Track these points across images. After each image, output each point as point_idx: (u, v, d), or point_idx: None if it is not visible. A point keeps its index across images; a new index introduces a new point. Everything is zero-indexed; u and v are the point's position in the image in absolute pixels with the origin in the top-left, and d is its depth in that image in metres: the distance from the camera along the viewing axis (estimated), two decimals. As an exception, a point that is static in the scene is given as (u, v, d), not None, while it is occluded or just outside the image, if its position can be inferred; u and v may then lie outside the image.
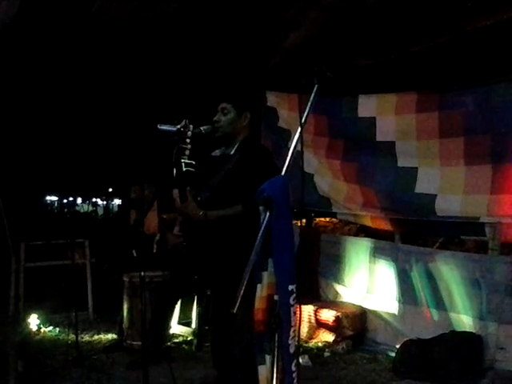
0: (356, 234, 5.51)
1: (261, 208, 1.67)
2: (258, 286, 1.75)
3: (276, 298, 1.70)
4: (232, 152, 2.77)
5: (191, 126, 2.54)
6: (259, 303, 1.75)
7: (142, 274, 2.56)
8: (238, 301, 1.52)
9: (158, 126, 2.53)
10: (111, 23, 4.73)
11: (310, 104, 1.86)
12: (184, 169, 2.56)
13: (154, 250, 3.97)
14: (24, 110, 6.58)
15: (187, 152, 2.55)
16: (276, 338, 1.69)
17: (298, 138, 1.81)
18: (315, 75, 1.90)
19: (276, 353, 1.69)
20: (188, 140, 2.53)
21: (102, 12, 4.60)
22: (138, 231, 3.41)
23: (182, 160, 2.55)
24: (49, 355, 4.01)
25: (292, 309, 1.68)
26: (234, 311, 1.51)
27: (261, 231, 1.62)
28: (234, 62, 4.88)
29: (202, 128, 2.67)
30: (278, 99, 5.17)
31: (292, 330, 1.69)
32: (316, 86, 1.89)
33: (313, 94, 1.87)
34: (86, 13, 4.51)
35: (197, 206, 2.60)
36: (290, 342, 1.69)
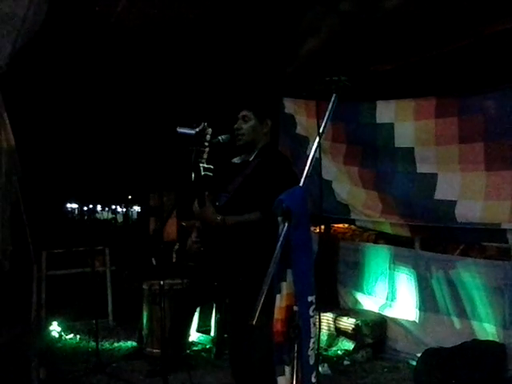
0: (375, 241, 5.46)
1: (279, 219, 1.67)
2: (277, 296, 1.74)
3: (295, 308, 1.69)
4: (251, 158, 2.77)
5: (210, 129, 2.55)
6: (278, 314, 1.74)
7: (162, 282, 2.58)
8: (257, 312, 1.51)
9: (178, 129, 2.54)
10: (130, 31, 4.80)
11: (328, 113, 1.85)
12: (202, 173, 2.55)
13: (174, 260, 3.98)
14: (44, 118, 6.68)
15: (205, 155, 2.55)
16: (295, 349, 1.69)
17: (317, 147, 1.80)
18: (333, 84, 1.89)
19: (295, 364, 1.68)
20: (207, 143, 2.53)
21: (121, 21, 4.67)
22: (157, 240, 3.43)
23: (201, 164, 2.54)
24: (70, 362, 4.06)
25: (311, 320, 1.67)
26: (254, 323, 1.50)
27: (279, 242, 1.62)
28: (252, 68, 4.90)
29: (220, 137, 2.67)
30: (295, 106, 5.17)
31: (312, 341, 1.68)
32: (334, 95, 1.88)
33: (331, 103, 1.87)
34: (106, 21, 4.59)
35: (215, 211, 2.59)
36: (309, 353, 1.68)
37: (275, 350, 1.76)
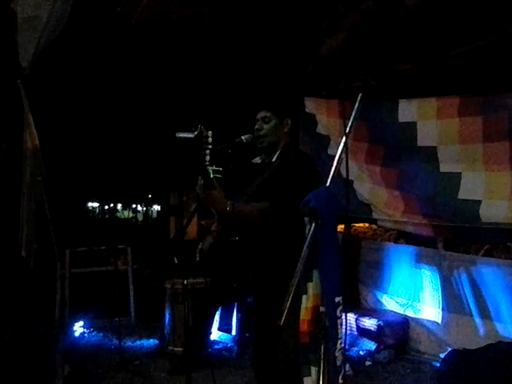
0: (396, 240, 5.42)
1: (306, 219, 1.67)
2: (304, 296, 1.74)
3: (322, 309, 1.69)
4: (273, 159, 2.75)
5: (210, 131, 2.52)
6: (304, 314, 1.74)
7: (185, 282, 2.59)
8: (285, 313, 1.52)
9: (176, 134, 2.53)
10: (151, 32, 4.83)
11: (354, 113, 1.85)
12: (212, 176, 2.54)
13: (197, 259, 3.98)
14: (66, 119, 6.77)
15: (208, 158, 2.53)
16: (322, 350, 1.68)
17: (343, 147, 1.80)
18: (359, 84, 1.88)
19: (322, 365, 1.67)
20: (209, 146, 2.51)
21: (142, 23, 4.71)
22: (180, 240, 3.45)
23: (209, 167, 2.53)
24: (93, 360, 4.11)
25: (339, 321, 1.67)
26: (281, 323, 1.50)
27: (306, 242, 1.62)
28: (272, 68, 4.90)
29: (242, 137, 2.66)
30: (316, 105, 5.15)
31: (339, 342, 1.67)
32: (360, 94, 1.88)
33: (357, 103, 1.86)
34: (127, 22, 4.63)
35: (224, 196, 2.52)
36: (336, 354, 1.68)
37: (301, 350, 1.76)
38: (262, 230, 2.58)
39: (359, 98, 1.88)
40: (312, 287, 1.73)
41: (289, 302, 1.53)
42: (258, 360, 2.87)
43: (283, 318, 1.51)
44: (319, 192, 1.67)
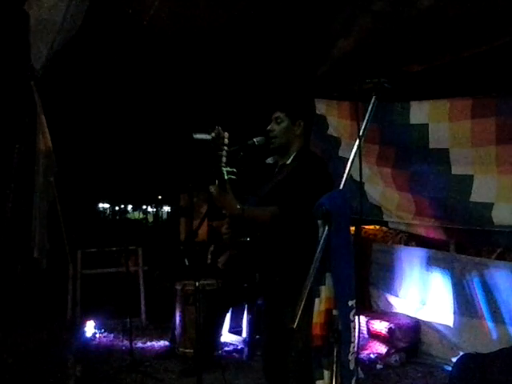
0: (406, 243, 5.39)
1: (319, 222, 1.66)
2: (316, 300, 1.73)
3: (335, 312, 1.69)
4: (288, 162, 2.73)
5: (226, 133, 2.53)
6: (317, 317, 1.73)
7: (197, 284, 2.59)
8: (298, 316, 1.51)
9: (194, 135, 2.54)
10: (161, 36, 4.85)
11: (368, 115, 1.84)
12: (226, 177, 2.54)
13: (209, 261, 3.99)
14: (78, 121, 6.82)
15: (224, 159, 2.53)
16: (335, 354, 1.68)
17: (357, 150, 1.79)
18: (373, 86, 1.88)
19: (335, 368, 1.67)
20: (226, 148, 2.52)
21: (154, 25, 4.73)
22: (191, 241, 3.46)
23: (224, 168, 2.53)
24: (104, 360, 4.13)
25: (352, 324, 1.66)
26: (294, 327, 1.50)
27: (320, 245, 1.61)
28: (284, 70, 4.90)
29: (255, 139, 2.66)
30: (327, 107, 5.14)
31: (352, 345, 1.67)
32: (374, 97, 1.87)
33: (370, 106, 1.85)
34: (139, 24, 4.65)
35: (235, 199, 2.52)
36: (349, 357, 1.67)
37: (314, 353, 1.76)
38: (272, 232, 2.58)
39: (373, 100, 1.87)
40: (325, 290, 1.72)
41: (302, 305, 1.53)
42: (268, 362, 2.86)
43: (296, 321, 1.51)
44: (333, 195, 1.67)
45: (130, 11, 4.72)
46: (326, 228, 1.62)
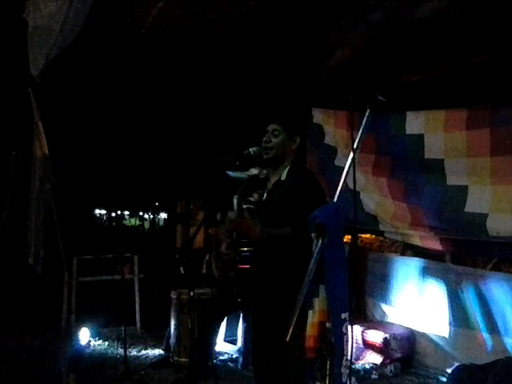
0: (402, 252, 5.40)
1: (313, 235, 1.67)
2: (310, 312, 1.74)
3: (328, 325, 1.69)
4: (283, 178, 2.72)
5: (264, 171, 2.55)
6: (310, 330, 1.74)
7: (192, 293, 2.59)
8: (291, 329, 1.52)
9: (229, 174, 2.56)
10: (159, 44, 4.87)
11: (362, 128, 1.86)
12: (245, 206, 2.56)
13: (204, 270, 4.01)
14: (74, 127, 6.83)
15: (256, 197, 2.57)
16: (328, 366, 1.68)
17: (351, 162, 1.80)
18: (367, 99, 1.89)
19: (328, 381, 1.67)
20: (256, 184, 2.55)
21: (152, 33, 4.75)
22: (187, 250, 3.46)
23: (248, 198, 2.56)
24: (98, 369, 4.10)
25: (345, 337, 1.66)
26: (287, 339, 1.50)
27: (313, 258, 1.62)
28: (281, 79, 4.92)
29: (251, 150, 2.67)
30: (323, 116, 5.16)
31: (345, 358, 1.67)
32: (368, 110, 1.88)
33: (365, 119, 1.87)
34: (137, 32, 4.67)
35: (255, 223, 2.52)
36: (342, 370, 1.67)
37: (307, 366, 1.76)
38: (273, 248, 2.58)
39: (367, 113, 1.89)
40: (318, 303, 1.73)
41: (295, 318, 1.53)
42: (258, 371, 2.84)
43: (289, 333, 1.51)
44: (326, 208, 1.68)
45: (128, 19, 4.74)
46: (320, 241, 1.63)
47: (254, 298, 2.66)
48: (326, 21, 4.31)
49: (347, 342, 1.68)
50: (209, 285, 4.06)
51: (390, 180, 4.66)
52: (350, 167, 1.79)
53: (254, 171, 2.66)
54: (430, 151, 4.25)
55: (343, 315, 1.66)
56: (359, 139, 1.84)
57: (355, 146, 1.83)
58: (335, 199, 1.73)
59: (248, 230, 2.53)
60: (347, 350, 1.68)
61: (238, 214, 2.53)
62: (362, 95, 1.90)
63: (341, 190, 1.75)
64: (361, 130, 1.85)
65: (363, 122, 1.86)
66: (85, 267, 5.33)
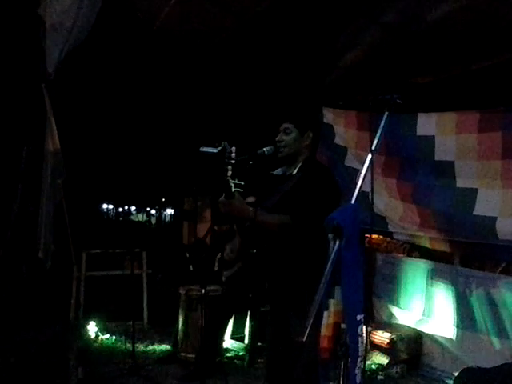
0: (409, 253, 5.39)
1: (330, 236, 1.68)
2: (325, 313, 1.76)
3: (343, 326, 1.70)
4: (294, 172, 2.76)
5: (233, 147, 2.55)
6: (325, 330, 1.76)
7: (203, 290, 2.61)
8: (308, 329, 1.53)
9: (200, 149, 2.58)
10: (171, 41, 4.89)
11: (379, 131, 1.86)
12: (233, 189, 2.57)
13: (216, 268, 4.03)
14: (83, 122, 6.85)
15: (230, 173, 2.56)
16: (342, 367, 1.69)
17: (369, 164, 1.81)
18: (386, 102, 1.90)
19: (342, 382, 1.68)
20: (232, 161, 2.55)
21: (164, 30, 4.76)
22: (199, 250, 3.48)
23: (231, 181, 2.56)
24: (106, 363, 4.14)
25: (360, 339, 1.67)
26: (304, 340, 1.51)
27: (330, 259, 1.62)
28: (293, 79, 4.92)
29: (265, 149, 2.69)
30: (334, 116, 5.15)
31: (359, 359, 1.68)
32: (386, 113, 1.89)
33: (383, 122, 1.87)
34: (149, 28, 4.69)
35: (245, 204, 2.56)
36: (356, 371, 1.68)
37: (321, 366, 1.77)
38: (280, 242, 2.60)
39: (385, 116, 1.89)
40: (334, 304, 1.74)
41: (312, 319, 1.54)
42: (271, 371, 2.87)
43: (306, 334, 1.52)
44: (345, 209, 1.68)
45: (140, 15, 4.76)
46: (337, 242, 1.63)
47: (268, 295, 2.68)
48: (339, 22, 4.31)
49: (362, 343, 1.69)
50: (219, 282, 4.07)
51: (400, 181, 4.65)
52: (367, 169, 1.79)
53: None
54: (441, 153, 4.24)
55: (359, 317, 1.67)
56: (377, 141, 1.85)
57: (373, 147, 1.83)
58: (353, 201, 1.73)
59: (239, 210, 2.54)
60: (362, 351, 1.69)
61: (226, 195, 2.52)
62: (381, 98, 1.91)
63: (359, 191, 1.75)
64: (379, 132, 1.85)
65: (381, 125, 1.86)
66: (93, 261, 5.36)
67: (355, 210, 1.69)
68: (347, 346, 1.66)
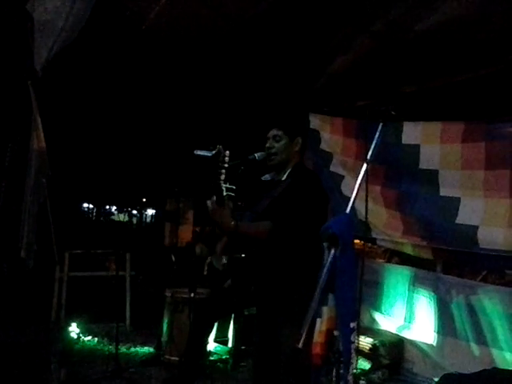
0: (389, 259, 5.45)
1: (325, 244, 1.70)
2: (318, 320, 1.77)
3: (336, 333, 1.73)
4: (283, 178, 2.78)
5: (227, 151, 2.57)
6: (318, 337, 1.77)
7: (192, 294, 2.61)
8: (303, 337, 1.55)
9: (195, 152, 2.59)
10: (159, 41, 4.86)
11: (374, 142, 1.90)
12: (225, 193, 2.58)
13: (205, 272, 4.01)
14: (65, 122, 6.77)
15: (223, 177, 2.57)
16: (334, 373, 1.71)
17: (364, 174, 1.84)
18: (381, 113, 1.93)
19: (334, 388, 1.71)
20: (226, 165, 2.56)
21: (153, 30, 4.74)
22: (191, 253, 3.47)
23: (223, 185, 2.57)
24: (88, 365, 4.09)
25: (352, 346, 1.70)
26: (300, 346, 1.54)
27: (325, 268, 1.65)
28: (281, 84, 4.95)
29: (256, 155, 2.71)
30: (320, 122, 5.20)
31: (351, 366, 1.70)
32: (380, 124, 1.93)
33: (377, 133, 1.91)
34: (137, 28, 4.66)
35: (230, 215, 2.56)
36: (348, 378, 1.71)
37: (313, 372, 1.79)
38: (267, 247, 2.62)
39: (380, 127, 1.93)
40: (327, 311, 1.76)
41: (307, 326, 1.56)
42: (259, 374, 2.89)
43: (301, 341, 1.54)
44: (340, 219, 1.71)
45: (128, 14, 4.72)
46: (333, 251, 1.66)
47: (257, 299, 2.70)
48: (328, 29, 4.35)
49: (354, 350, 1.71)
50: (206, 285, 4.07)
51: (384, 188, 4.71)
52: (362, 179, 1.83)
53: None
54: (425, 162, 4.31)
55: (352, 324, 1.69)
56: (372, 151, 1.88)
57: (368, 157, 1.87)
58: (348, 210, 1.76)
59: (220, 219, 2.54)
60: (354, 358, 1.72)
61: (216, 201, 2.52)
62: (376, 109, 1.95)
63: (354, 200, 1.78)
64: (374, 143, 1.89)
65: (376, 136, 1.90)
66: (75, 262, 5.30)
67: (350, 219, 1.72)
68: (340, 353, 1.69)
